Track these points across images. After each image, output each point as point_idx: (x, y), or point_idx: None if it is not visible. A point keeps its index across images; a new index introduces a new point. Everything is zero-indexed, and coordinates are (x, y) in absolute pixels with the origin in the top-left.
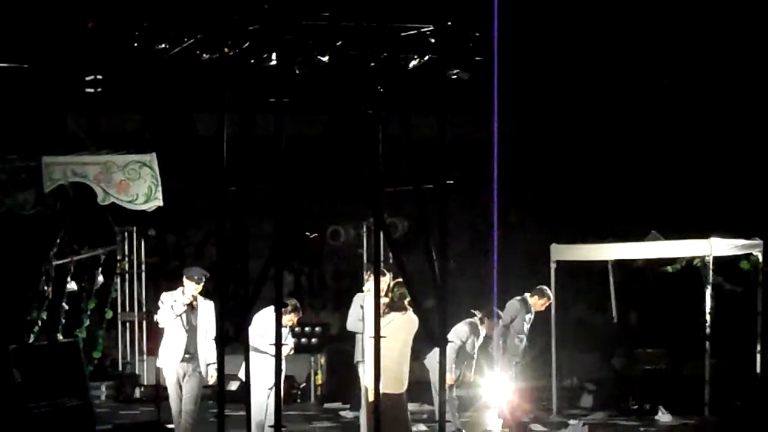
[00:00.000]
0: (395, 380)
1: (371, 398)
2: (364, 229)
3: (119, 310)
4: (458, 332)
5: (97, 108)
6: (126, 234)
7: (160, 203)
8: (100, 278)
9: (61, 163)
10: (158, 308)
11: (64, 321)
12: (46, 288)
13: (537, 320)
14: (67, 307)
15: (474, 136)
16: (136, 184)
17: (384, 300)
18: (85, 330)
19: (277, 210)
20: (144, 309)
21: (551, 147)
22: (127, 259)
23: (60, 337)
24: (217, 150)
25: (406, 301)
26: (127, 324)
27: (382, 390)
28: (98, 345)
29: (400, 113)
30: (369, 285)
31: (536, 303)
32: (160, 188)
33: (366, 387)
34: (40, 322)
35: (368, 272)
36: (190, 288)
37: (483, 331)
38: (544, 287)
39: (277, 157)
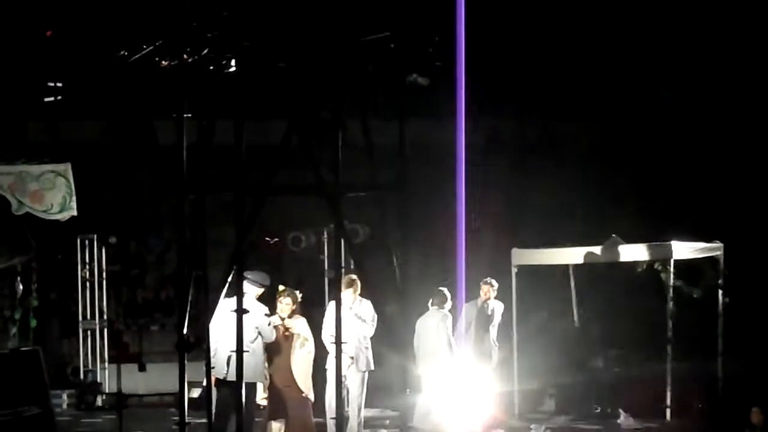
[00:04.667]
0: None
1: None
2: (325, 235)
3: (80, 318)
4: (441, 318)
5: (56, 115)
6: (87, 242)
7: (74, 213)
8: (20, 287)
9: None
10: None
11: None
12: None
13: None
14: None
15: (436, 141)
16: (51, 193)
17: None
18: (14, 339)
19: (238, 217)
20: (105, 317)
21: (513, 150)
22: (87, 267)
23: None
24: (176, 157)
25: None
26: (89, 332)
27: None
28: None
29: (360, 118)
30: (348, 292)
31: (482, 295)
32: (74, 198)
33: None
34: None
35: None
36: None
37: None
38: (487, 278)
39: (236, 164)
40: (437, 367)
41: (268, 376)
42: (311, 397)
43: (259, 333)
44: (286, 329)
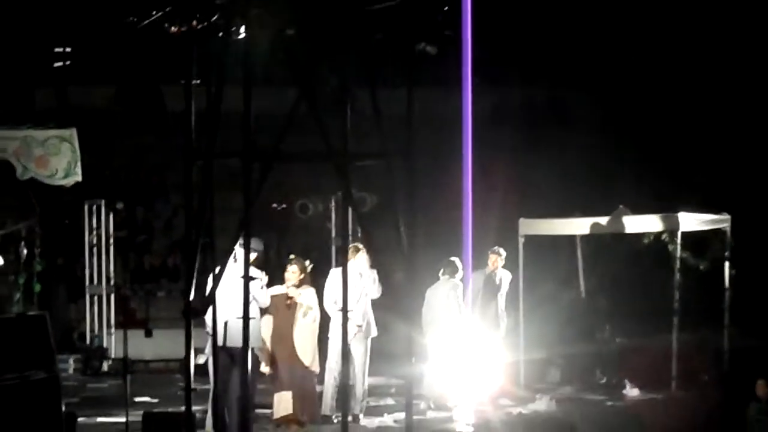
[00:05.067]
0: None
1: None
2: (333, 203)
3: (87, 284)
4: (449, 287)
5: (65, 81)
6: (94, 207)
7: (79, 178)
8: (24, 252)
9: None
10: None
11: None
12: None
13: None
14: None
15: (444, 110)
16: (56, 159)
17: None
18: (19, 305)
19: (245, 183)
20: (112, 282)
21: (520, 120)
22: (95, 232)
23: None
24: (185, 123)
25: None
26: (95, 297)
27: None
28: None
29: (369, 87)
30: (353, 261)
31: (490, 264)
32: (79, 163)
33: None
34: None
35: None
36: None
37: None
38: (495, 247)
39: (245, 131)
40: (446, 336)
41: (266, 343)
42: (316, 368)
43: (254, 297)
44: (289, 298)
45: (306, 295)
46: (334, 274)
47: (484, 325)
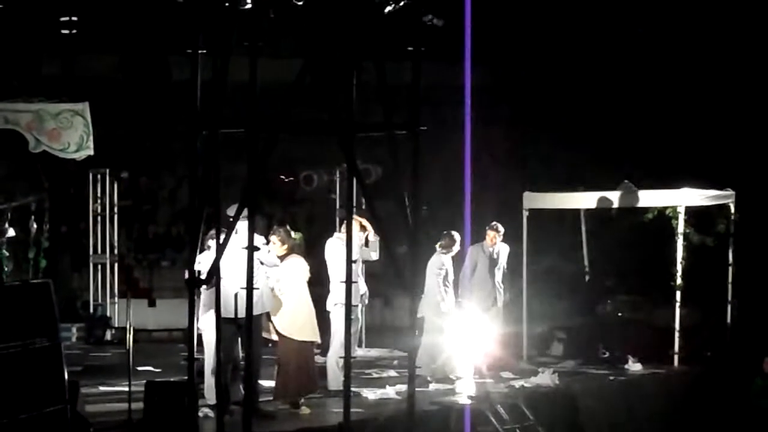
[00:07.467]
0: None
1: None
2: (338, 175)
3: (91, 252)
4: (435, 262)
5: (71, 49)
6: (99, 176)
7: (91, 152)
8: (34, 226)
9: None
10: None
11: (7, 268)
12: None
13: (509, 267)
14: (7, 254)
15: (448, 83)
16: (68, 132)
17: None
18: (26, 277)
19: (250, 154)
20: (116, 251)
21: (525, 93)
22: (99, 201)
23: None
24: (190, 93)
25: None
26: (99, 266)
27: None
28: None
29: (375, 59)
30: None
31: (488, 240)
32: (91, 137)
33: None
34: None
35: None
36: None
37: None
38: (493, 223)
39: (250, 101)
40: (434, 309)
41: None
42: (296, 337)
43: (262, 263)
44: None
45: (288, 266)
46: (330, 245)
47: (481, 298)
